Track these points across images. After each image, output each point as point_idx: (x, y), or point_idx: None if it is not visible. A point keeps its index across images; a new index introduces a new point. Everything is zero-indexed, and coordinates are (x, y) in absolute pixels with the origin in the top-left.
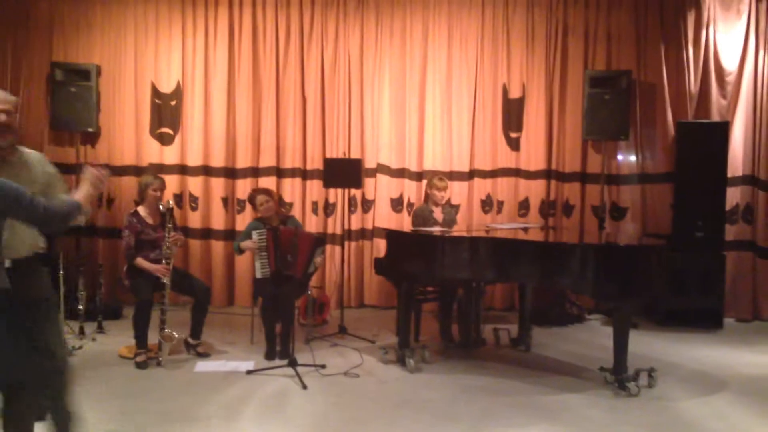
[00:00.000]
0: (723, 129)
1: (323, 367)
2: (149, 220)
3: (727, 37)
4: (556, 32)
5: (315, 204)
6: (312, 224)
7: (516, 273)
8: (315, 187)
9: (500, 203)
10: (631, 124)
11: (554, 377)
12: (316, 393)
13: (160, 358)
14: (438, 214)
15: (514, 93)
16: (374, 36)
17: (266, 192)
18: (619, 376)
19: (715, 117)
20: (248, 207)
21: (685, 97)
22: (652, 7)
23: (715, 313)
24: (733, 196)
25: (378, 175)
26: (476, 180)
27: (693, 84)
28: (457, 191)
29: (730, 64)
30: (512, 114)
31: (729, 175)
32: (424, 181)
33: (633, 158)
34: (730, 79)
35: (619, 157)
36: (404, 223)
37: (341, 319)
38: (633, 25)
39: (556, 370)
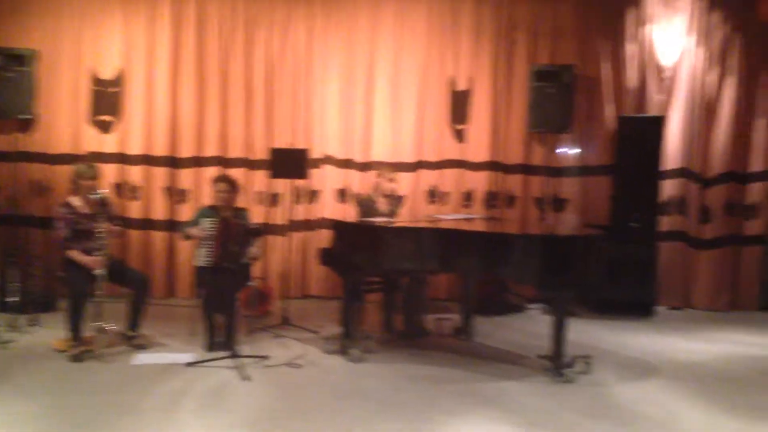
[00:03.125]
0: (659, 123)
1: (266, 358)
2: (84, 210)
3: (665, 35)
4: (503, 26)
5: (260, 194)
6: (257, 214)
7: (460, 263)
8: (260, 178)
9: (445, 194)
10: (573, 117)
11: (495, 365)
12: (259, 384)
13: (96, 351)
14: (381, 204)
15: (461, 85)
16: (322, 26)
17: (229, 182)
18: (557, 363)
19: (653, 112)
20: (191, 197)
21: (624, 92)
22: (594, 3)
23: (649, 301)
24: (668, 188)
25: (324, 165)
26: (422, 171)
27: (632, 79)
28: (403, 182)
29: (667, 60)
30: (459, 106)
31: (664, 168)
32: (370, 172)
33: (575, 151)
34: (667, 75)
35: (562, 149)
36: (349, 213)
37: (285, 310)
38: (576, 21)
39: (497, 359)
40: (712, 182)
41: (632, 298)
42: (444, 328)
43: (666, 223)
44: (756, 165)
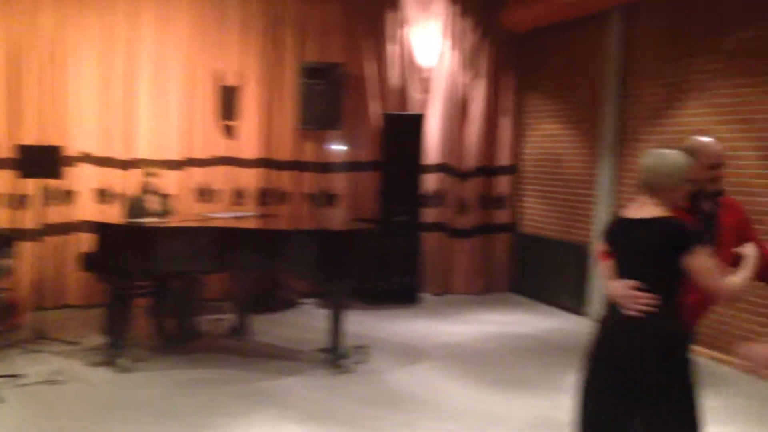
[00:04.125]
0: (420, 121)
1: (19, 376)
2: None
3: (423, 37)
4: (272, 22)
5: (4, 196)
6: (2, 219)
7: (235, 262)
8: (5, 178)
9: (216, 192)
10: (342, 114)
11: (274, 362)
12: (13, 406)
13: None
14: (152, 204)
15: (230, 81)
16: (75, 11)
17: None
18: (335, 355)
19: (414, 110)
20: None
21: (388, 91)
22: (359, 4)
23: (415, 289)
24: (429, 182)
25: (81, 164)
26: (191, 169)
27: (394, 78)
28: (171, 180)
29: (425, 61)
30: (228, 102)
31: (426, 163)
32: (135, 171)
33: (344, 147)
34: (426, 75)
35: (332, 146)
36: (111, 215)
37: (39, 322)
38: (343, 20)
39: (275, 356)
40: (467, 176)
41: (400, 288)
42: (219, 329)
43: (428, 215)
44: (502, 160)
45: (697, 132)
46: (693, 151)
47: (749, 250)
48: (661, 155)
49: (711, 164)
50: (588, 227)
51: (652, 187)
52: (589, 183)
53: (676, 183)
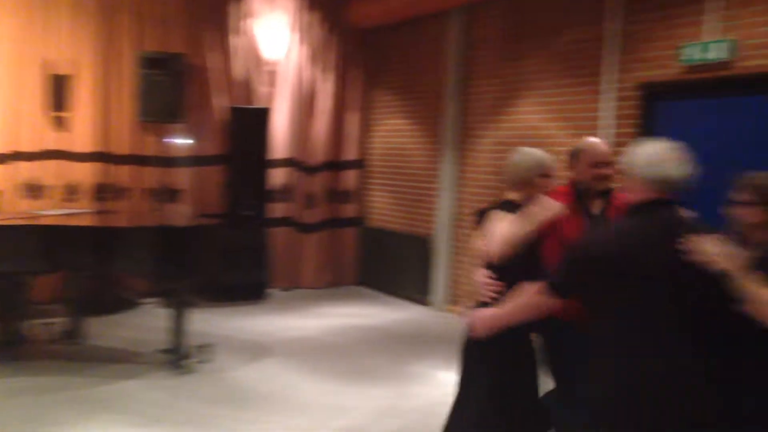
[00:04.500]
0: (266, 115)
1: None
2: None
3: (268, 29)
4: (107, 8)
5: None
6: None
7: (68, 261)
8: None
9: (46, 188)
10: (185, 107)
11: (111, 366)
12: None
13: None
14: None
15: (62, 69)
16: None
17: None
18: (177, 356)
19: (260, 103)
20: None
21: (233, 83)
22: None
23: (262, 285)
24: (277, 177)
25: None
26: (17, 163)
27: (239, 71)
28: None
29: (271, 54)
30: (58, 92)
31: (273, 157)
32: None
33: (187, 141)
34: (272, 68)
35: (174, 139)
36: None
37: None
38: (183, 9)
39: (113, 359)
40: (314, 170)
41: (247, 283)
42: (49, 333)
43: (276, 209)
44: (349, 154)
45: (530, 128)
46: (578, 151)
47: (539, 205)
48: (523, 152)
49: (596, 163)
50: (431, 220)
51: (514, 182)
52: (433, 177)
53: (533, 177)
